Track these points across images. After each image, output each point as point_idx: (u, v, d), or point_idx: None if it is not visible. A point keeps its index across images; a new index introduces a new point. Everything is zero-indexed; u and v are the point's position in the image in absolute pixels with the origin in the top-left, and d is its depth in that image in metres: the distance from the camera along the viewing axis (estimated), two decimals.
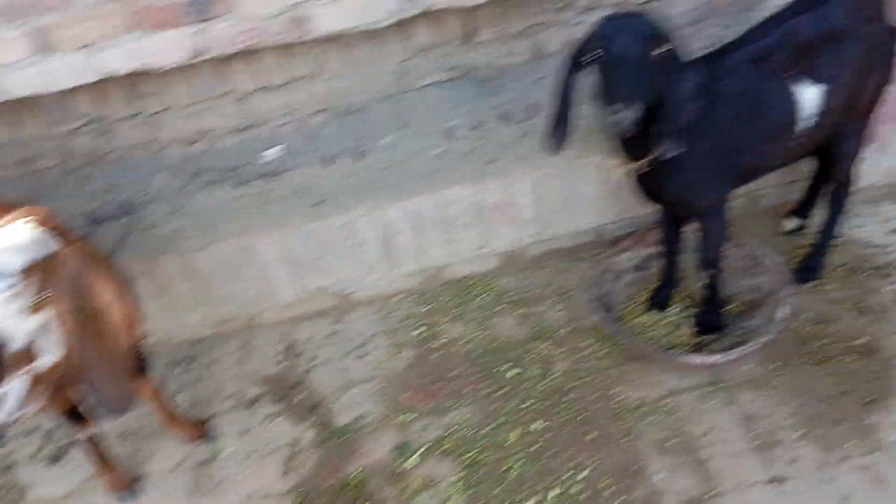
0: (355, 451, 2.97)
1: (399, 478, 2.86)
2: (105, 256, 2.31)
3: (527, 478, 2.75)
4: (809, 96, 2.52)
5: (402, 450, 2.94)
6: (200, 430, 3.10)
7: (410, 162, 3.28)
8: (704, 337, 3.06)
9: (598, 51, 2.16)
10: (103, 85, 3.08)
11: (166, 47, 2.92)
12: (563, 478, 2.72)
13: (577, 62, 2.28)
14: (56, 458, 3.07)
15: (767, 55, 2.49)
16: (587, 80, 2.29)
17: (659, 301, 3.17)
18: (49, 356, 1.88)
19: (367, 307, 3.46)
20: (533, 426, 2.92)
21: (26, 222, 1.91)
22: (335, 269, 3.29)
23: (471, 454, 2.87)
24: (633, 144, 2.42)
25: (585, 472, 2.73)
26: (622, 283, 3.28)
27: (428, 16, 3.12)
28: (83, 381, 2.25)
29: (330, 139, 3.43)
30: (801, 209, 3.31)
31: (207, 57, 2.99)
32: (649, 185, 2.62)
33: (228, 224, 3.16)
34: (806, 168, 3.23)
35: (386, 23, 3.02)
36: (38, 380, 1.88)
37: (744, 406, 2.84)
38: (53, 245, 1.90)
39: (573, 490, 2.68)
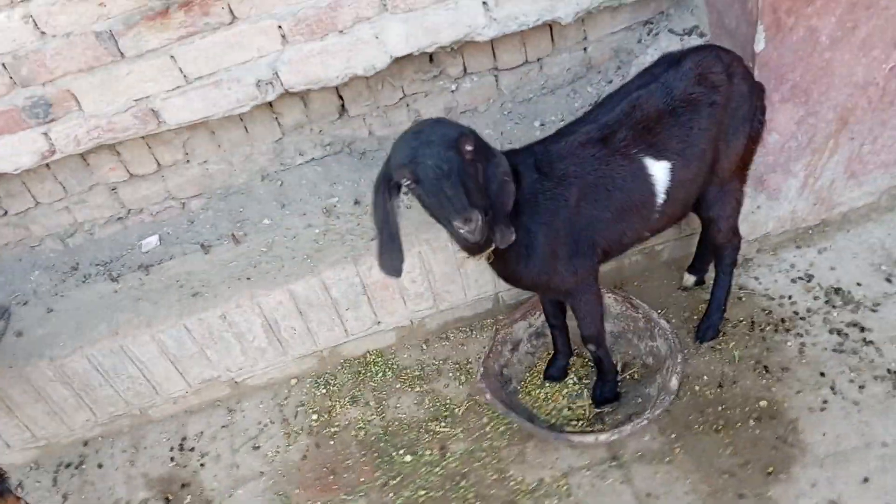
0: None
1: None
2: None
3: None
4: (657, 172, 2.42)
5: None
6: None
7: (291, 243, 3.16)
8: (603, 407, 2.94)
9: (410, 178, 2.03)
10: None
11: (16, 151, 2.80)
12: None
13: (391, 187, 2.13)
14: None
15: (610, 132, 2.39)
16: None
17: (554, 372, 3.07)
18: None
19: (263, 392, 3.33)
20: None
21: None
22: (222, 359, 3.17)
23: None
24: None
25: None
26: (521, 353, 3.17)
27: (292, 95, 3.00)
28: None
29: (209, 223, 3.31)
30: (697, 265, 3.21)
31: (61, 156, 2.86)
32: (504, 271, 2.51)
33: (102, 324, 3.03)
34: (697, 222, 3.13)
35: (242, 109, 2.91)
36: None
37: (642, 483, 2.72)
38: None
39: None
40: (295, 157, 3.32)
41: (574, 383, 3.07)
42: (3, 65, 2.61)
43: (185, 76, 2.77)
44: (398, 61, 2.98)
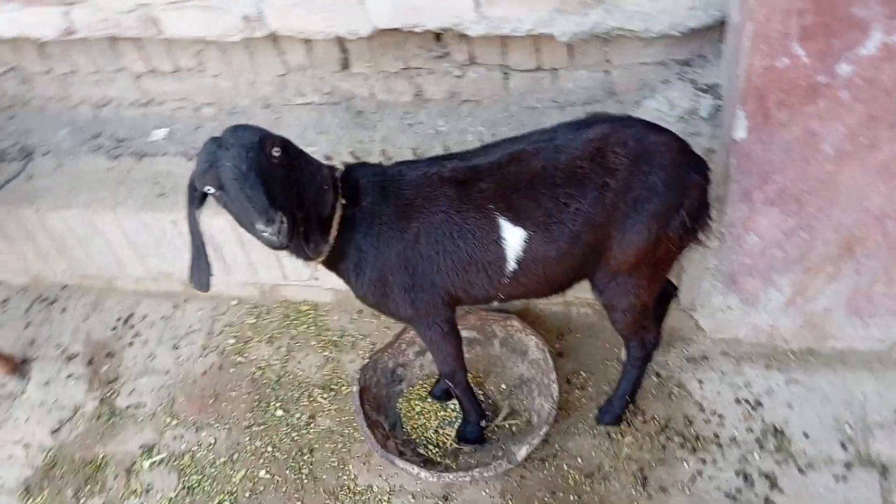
0: (114, 436, 3.14)
1: (129, 474, 3.00)
2: None
3: None
4: (510, 237, 2.15)
5: (148, 451, 3.07)
6: (14, 366, 3.41)
7: None
8: (463, 446, 2.81)
9: (212, 184, 1.95)
10: (17, 41, 3.34)
11: (39, 21, 3.10)
12: None
13: (196, 195, 2.05)
14: None
15: (474, 178, 2.15)
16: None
17: (438, 392, 2.96)
18: None
19: (206, 302, 3.54)
20: (260, 473, 2.91)
21: None
22: (174, 260, 3.39)
23: (195, 478, 2.94)
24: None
25: None
26: (427, 359, 3.07)
27: (295, 39, 3.02)
28: None
29: (212, 132, 3.47)
30: None
31: (79, 36, 3.12)
32: (344, 282, 2.42)
33: (83, 194, 3.35)
34: None
35: (233, 38, 2.97)
36: None
37: None
38: None
39: None
40: (295, 96, 3.36)
41: (453, 410, 2.94)
42: None
43: None
44: (396, 33, 2.87)
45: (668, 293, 2.74)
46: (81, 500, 2.95)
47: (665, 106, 2.79)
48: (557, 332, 3.11)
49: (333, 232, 2.19)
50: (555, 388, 2.75)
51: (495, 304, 2.49)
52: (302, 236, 2.12)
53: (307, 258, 2.25)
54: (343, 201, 2.18)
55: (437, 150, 3.09)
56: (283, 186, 1.98)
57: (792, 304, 2.71)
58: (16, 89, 3.74)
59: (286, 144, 2.03)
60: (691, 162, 2.19)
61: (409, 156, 3.11)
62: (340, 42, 3.10)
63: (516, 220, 2.14)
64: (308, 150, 3.20)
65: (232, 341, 3.39)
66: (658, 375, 2.91)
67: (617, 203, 2.12)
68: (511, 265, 2.20)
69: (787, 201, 2.42)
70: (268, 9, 2.85)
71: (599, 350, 3.04)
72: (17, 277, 3.79)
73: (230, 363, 3.31)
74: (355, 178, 2.22)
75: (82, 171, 3.49)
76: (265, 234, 1.93)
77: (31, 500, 2.99)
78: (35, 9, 3.07)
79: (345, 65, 3.21)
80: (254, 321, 3.45)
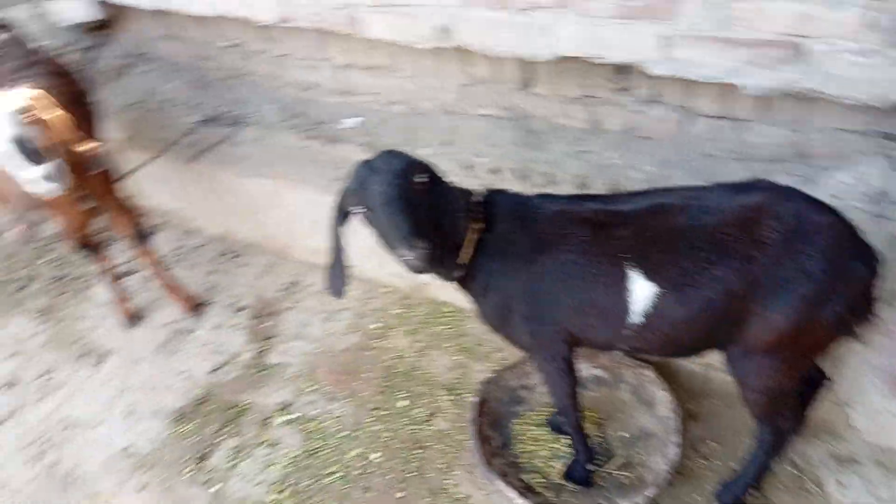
0: (259, 387, 3.45)
1: (264, 425, 3.29)
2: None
3: (333, 491, 2.97)
4: (638, 290, 2.08)
5: (284, 408, 3.34)
6: (194, 305, 3.85)
7: None
8: (568, 483, 2.80)
9: (359, 205, 2.07)
10: (243, 20, 3.73)
11: (263, 7, 3.44)
12: None
13: (343, 213, 2.18)
14: None
15: (611, 223, 2.10)
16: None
17: (555, 424, 2.94)
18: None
19: (361, 284, 3.76)
20: (373, 455, 3.08)
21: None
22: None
23: (317, 444, 3.17)
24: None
25: None
26: None
27: (480, 55, 3.11)
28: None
29: (389, 129, 3.69)
30: None
31: (293, 25, 3.43)
32: (472, 302, 2.46)
33: (275, 167, 3.69)
34: None
35: (423, 45, 3.11)
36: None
37: None
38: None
39: None
40: (475, 106, 3.46)
41: (566, 444, 2.92)
42: None
43: None
44: (580, 61, 2.87)
45: (815, 380, 2.52)
46: (219, 439, 3.28)
47: (855, 180, 2.55)
48: (694, 393, 2.98)
49: (466, 255, 2.25)
50: (675, 450, 2.65)
51: (617, 353, 2.43)
52: (437, 259, 2.20)
53: (443, 278, 2.34)
54: (478, 226, 2.24)
55: (602, 182, 3.06)
56: (425, 214, 2.06)
57: None
58: (237, 63, 4.18)
59: (429, 172, 2.11)
60: (857, 250, 2.01)
61: (571, 182, 3.10)
62: (524, 61, 3.14)
63: (648, 275, 2.08)
64: (476, 160, 3.35)
65: (375, 326, 3.59)
66: (795, 465, 2.71)
67: (762, 278, 2.00)
68: (635, 318, 2.15)
69: None
70: (461, 23, 2.95)
71: (736, 422, 2.87)
72: (214, 228, 4.25)
73: (370, 346, 3.51)
74: (494, 204, 2.27)
75: (278, 145, 3.84)
76: (406, 258, 2.01)
77: (179, 427, 3.37)
78: None
79: (526, 83, 3.26)
80: (399, 311, 3.62)
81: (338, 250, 2.28)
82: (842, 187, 2.56)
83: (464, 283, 2.38)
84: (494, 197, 2.30)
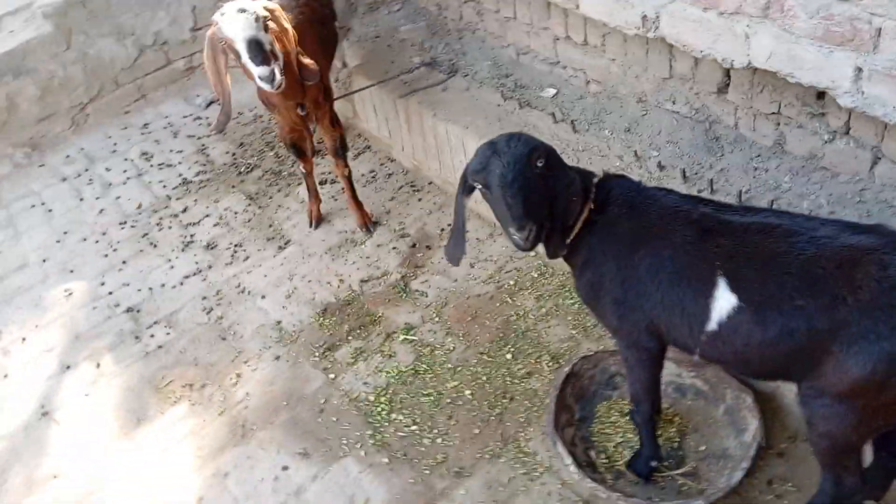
0: (396, 306, 3.82)
1: (388, 337, 3.65)
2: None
3: (423, 409, 3.28)
4: (722, 299, 2.05)
5: (409, 329, 3.67)
6: (368, 222, 4.29)
7: (598, 160, 3.50)
8: (628, 473, 2.85)
9: (481, 183, 2.21)
10: None
11: None
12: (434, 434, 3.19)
13: (467, 185, 2.31)
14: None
15: (717, 230, 2.09)
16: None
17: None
18: (279, 56, 3.27)
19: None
20: (466, 392, 3.32)
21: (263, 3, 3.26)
22: None
23: (424, 366, 3.48)
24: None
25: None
26: None
27: (682, 52, 3.14)
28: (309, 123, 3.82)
29: (580, 107, 3.82)
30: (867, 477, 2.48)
31: None
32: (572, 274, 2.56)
33: (468, 117, 3.98)
34: None
35: (629, 31, 3.19)
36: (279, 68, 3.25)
37: None
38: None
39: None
40: (667, 101, 3.48)
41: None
42: None
43: None
44: (775, 76, 2.82)
45: None
46: (349, 337, 3.69)
47: None
48: (790, 432, 2.86)
49: (574, 233, 2.37)
50: (739, 475, 2.61)
51: (696, 358, 2.42)
52: (544, 237, 2.33)
53: (549, 255, 2.49)
54: (591, 206, 2.35)
55: (765, 202, 2.98)
56: (539, 197, 2.21)
57: None
58: (470, 17, 4.50)
59: (549, 156, 2.24)
60: None
61: (733, 195, 3.06)
62: (723, 66, 3.12)
63: (734, 287, 2.08)
64: (650, 153, 3.40)
65: (511, 283, 3.78)
66: None
67: (849, 321, 1.93)
68: (712, 326, 2.16)
69: None
70: (665, 15, 3.01)
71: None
72: (406, 161, 4.66)
73: (499, 299, 3.72)
74: (609, 188, 2.37)
75: (481, 99, 4.12)
76: (515, 237, 2.20)
77: (322, 319, 3.82)
78: None
79: (722, 89, 3.23)
80: (536, 276, 3.78)
81: (460, 219, 2.46)
82: None
83: (568, 256, 2.51)
84: (613, 182, 2.39)
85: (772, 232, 2.08)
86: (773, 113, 3.07)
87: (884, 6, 2.31)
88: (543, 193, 2.23)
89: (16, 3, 5.59)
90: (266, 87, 3.25)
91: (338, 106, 4.18)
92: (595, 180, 2.40)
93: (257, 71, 3.19)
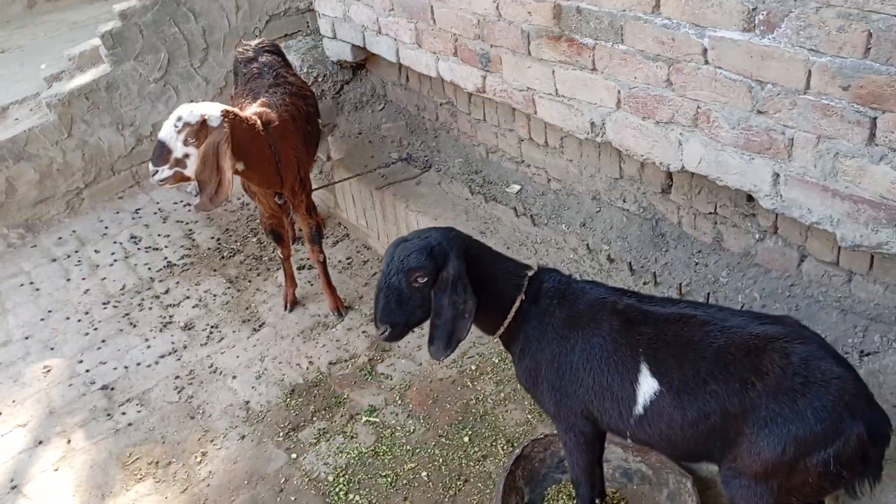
0: (360, 388, 3.95)
1: (351, 419, 3.78)
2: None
3: (380, 490, 3.39)
4: (645, 385, 2.22)
5: (372, 411, 3.80)
6: (341, 307, 4.47)
7: (555, 254, 3.72)
8: None
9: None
10: (453, 84, 4.37)
11: (466, 76, 4.03)
12: None
13: None
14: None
15: (638, 321, 2.28)
16: None
17: None
18: (187, 169, 3.49)
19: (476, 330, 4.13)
20: (423, 473, 3.42)
21: (220, 110, 3.48)
22: None
23: (384, 448, 3.58)
24: None
25: None
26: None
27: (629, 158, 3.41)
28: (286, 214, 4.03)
29: (544, 204, 4.07)
30: None
31: (487, 96, 3.97)
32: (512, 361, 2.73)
33: (437, 209, 4.23)
34: None
35: (580, 136, 3.47)
36: (177, 175, 3.50)
37: None
38: (220, 125, 3.44)
39: None
40: (618, 199, 3.73)
41: None
42: (478, 21, 3.77)
43: (556, 89, 3.49)
44: (709, 181, 3.07)
45: None
46: (314, 418, 3.81)
47: None
48: None
49: (508, 319, 2.57)
50: None
51: (630, 442, 2.56)
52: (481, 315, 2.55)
53: (484, 331, 2.68)
54: (523, 297, 2.55)
55: (701, 295, 3.18)
56: (404, 306, 2.48)
57: None
58: (446, 118, 4.83)
59: (440, 270, 2.45)
60: (861, 409, 2.03)
61: (674, 287, 3.26)
62: (664, 170, 3.39)
63: (654, 373, 2.25)
64: (602, 247, 3.62)
65: (473, 367, 3.93)
66: None
67: (758, 405, 2.09)
68: (639, 409, 2.31)
69: None
70: (609, 122, 3.29)
71: None
72: (381, 249, 4.88)
73: (461, 383, 3.86)
74: (542, 280, 2.57)
75: (450, 193, 4.39)
76: (377, 332, 2.55)
77: (289, 400, 3.95)
78: (465, 66, 4.00)
79: (666, 189, 3.49)
80: (497, 361, 3.93)
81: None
82: None
83: (506, 343, 2.69)
84: (545, 275, 2.60)
85: (688, 321, 2.27)
86: (711, 213, 3.31)
87: (794, 119, 2.57)
88: (413, 303, 2.48)
89: (24, 93, 5.96)
90: (151, 179, 3.51)
91: (320, 196, 4.45)
92: (530, 273, 2.61)
93: (150, 166, 3.48)
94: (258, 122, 3.74)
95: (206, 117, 3.42)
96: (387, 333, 2.52)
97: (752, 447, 2.14)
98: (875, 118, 2.34)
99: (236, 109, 3.69)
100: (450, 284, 2.46)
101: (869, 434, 2.04)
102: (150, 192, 6.09)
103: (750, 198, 3.11)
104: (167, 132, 3.43)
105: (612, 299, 2.45)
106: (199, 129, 3.40)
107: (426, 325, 2.58)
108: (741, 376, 2.11)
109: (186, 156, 3.44)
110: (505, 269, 2.58)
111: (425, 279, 2.46)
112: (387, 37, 4.59)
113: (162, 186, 3.57)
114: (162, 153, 3.43)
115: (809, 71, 2.43)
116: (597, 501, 2.83)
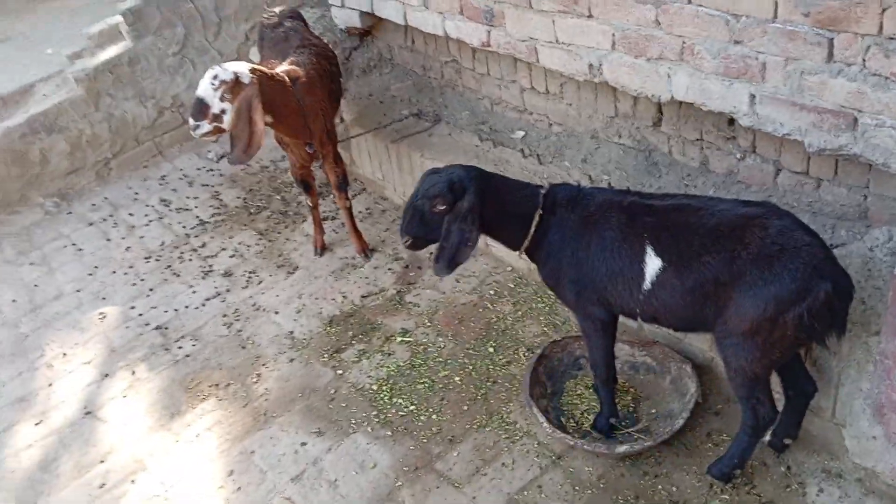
0: (392, 315, 4.43)
1: (387, 340, 4.25)
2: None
3: (419, 394, 3.87)
4: (650, 263, 2.71)
5: (404, 332, 4.28)
6: (366, 249, 4.94)
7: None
8: (593, 430, 3.43)
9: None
10: (458, 41, 4.80)
11: (471, 32, 4.47)
12: (429, 412, 3.78)
13: None
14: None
15: (641, 213, 2.76)
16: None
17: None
18: (224, 123, 3.91)
19: (491, 260, 4.64)
20: (456, 378, 3.91)
21: (249, 68, 3.91)
22: None
23: (419, 361, 4.06)
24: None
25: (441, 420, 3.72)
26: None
27: (627, 92, 3.88)
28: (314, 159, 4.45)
29: (548, 145, 4.54)
30: (776, 428, 3.09)
31: (492, 49, 4.42)
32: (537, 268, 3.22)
33: (450, 156, 4.69)
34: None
35: (579, 78, 3.94)
36: (216, 129, 3.91)
37: (528, 473, 3.29)
38: (250, 81, 3.87)
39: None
40: (615, 135, 4.21)
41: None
42: None
43: (556, 37, 3.95)
44: (696, 109, 3.54)
45: (805, 390, 2.96)
46: (353, 341, 4.28)
47: (886, 239, 2.99)
48: (724, 396, 3.47)
49: (531, 232, 3.04)
50: (679, 423, 3.21)
51: (640, 322, 3.06)
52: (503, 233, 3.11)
53: (512, 248, 3.16)
54: (541, 211, 3.02)
55: None
56: (425, 223, 3.02)
57: None
58: (451, 75, 5.28)
59: (456, 200, 2.95)
60: (828, 270, 2.53)
61: None
62: (658, 103, 3.86)
63: (658, 252, 2.75)
64: (603, 178, 4.10)
65: (492, 292, 4.42)
66: (788, 468, 3.13)
67: (744, 271, 2.59)
68: (647, 285, 2.81)
69: None
70: (606, 63, 3.75)
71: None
72: (398, 198, 5.35)
73: (482, 306, 4.35)
74: (555, 194, 3.04)
75: (461, 142, 4.85)
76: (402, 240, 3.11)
77: (329, 328, 4.42)
78: (470, 23, 4.45)
79: (657, 123, 3.97)
80: (513, 286, 4.43)
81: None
82: (873, 241, 3.00)
83: (530, 253, 3.17)
84: (557, 189, 3.07)
85: (684, 209, 2.76)
86: (697, 139, 3.80)
87: (765, 45, 3.05)
88: (431, 224, 3.01)
89: (48, 70, 6.33)
90: (192, 133, 3.90)
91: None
92: (543, 191, 3.08)
93: (190, 121, 3.86)
94: (286, 78, 4.16)
95: (238, 74, 3.83)
96: (409, 242, 3.08)
97: (740, 307, 2.64)
98: (832, 39, 2.82)
99: (263, 67, 4.11)
100: (461, 214, 2.95)
101: (834, 290, 2.54)
102: (174, 160, 6.50)
103: (731, 122, 3.60)
104: (205, 89, 3.79)
105: (618, 199, 2.94)
106: (234, 86, 3.81)
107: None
108: (729, 248, 2.61)
109: (223, 111, 3.83)
110: (522, 192, 3.07)
111: (444, 207, 2.96)
112: (394, 1, 5.01)
113: (203, 139, 3.96)
114: (201, 109, 3.81)
115: (776, 2, 2.91)
116: (611, 382, 3.33)
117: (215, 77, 3.81)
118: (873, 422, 2.87)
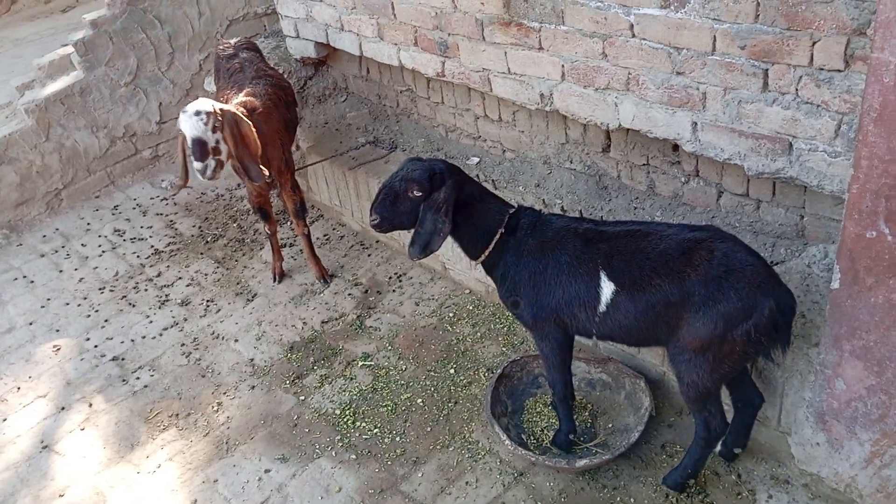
0: (353, 340, 4.48)
1: (348, 365, 4.30)
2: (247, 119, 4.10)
3: (382, 417, 3.92)
4: (605, 287, 2.86)
5: (365, 357, 4.33)
6: (325, 275, 4.99)
7: None
8: (553, 447, 3.53)
9: None
10: (413, 71, 4.93)
11: (426, 62, 4.60)
12: (392, 434, 3.82)
13: None
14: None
15: (596, 239, 2.92)
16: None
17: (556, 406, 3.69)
18: (223, 154, 3.95)
19: (451, 283, 4.74)
20: (418, 400, 3.97)
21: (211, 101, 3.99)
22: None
23: (381, 384, 4.12)
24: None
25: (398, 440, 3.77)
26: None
27: (577, 119, 4.04)
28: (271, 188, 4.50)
29: (493, 171, 4.69)
30: (727, 438, 3.25)
31: (446, 79, 4.56)
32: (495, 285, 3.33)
33: None
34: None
35: (531, 107, 4.10)
36: (219, 163, 3.94)
37: (492, 490, 3.37)
38: (224, 110, 3.95)
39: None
40: (566, 161, 4.38)
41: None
42: (436, 14, 4.35)
43: (508, 68, 4.11)
44: (643, 135, 3.72)
45: (752, 401, 3.12)
46: (315, 367, 4.32)
47: (822, 256, 3.19)
48: (677, 409, 3.61)
49: (490, 248, 3.16)
50: (635, 436, 3.34)
51: (595, 340, 3.19)
52: (465, 239, 3.20)
53: (470, 257, 3.27)
54: (502, 230, 3.14)
55: None
56: (394, 207, 3.10)
57: (869, 464, 2.89)
58: (406, 104, 5.40)
59: (432, 187, 3.05)
60: (771, 288, 2.70)
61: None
62: (606, 130, 4.04)
63: (611, 277, 2.89)
64: (555, 201, 4.24)
65: (451, 314, 4.51)
66: (738, 476, 3.28)
67: (693, 292, 2.74)
68: (602, 308, 2.94)
69: (870, 360, 2.71)
70: (556, 93, 3.92)
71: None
72: (355, 224, 5.43)
73: (441, 328, 4.43)
74: (518, 217, 3.17)
75: None
76: (370, 218, 3.17)
77: (290, 355, 4.44)
78: (425, 54, 4.58)
79: (605, 149, 4.14)
80: (471, 308, 4.53)
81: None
82: (811, 258, 3.20)
83: (488, 269, 3.27)
84: (522, 212, 3.20)
85: (635, 234, 2.91)
86: (644, 164, 3.99)
87: (705, 76, 3.24)
88: (402, 208, 3.09)
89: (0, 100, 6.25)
90: (199, 177, 3.90)
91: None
92: (511, 211, 3.20)
93: (195, 164, 3.86)
94: (243, 110, 4.22)
95: (212, 104, 3.89)
96: (376, 221, 3.13)
97: (691, 327, 2.78)
98: (767, 70, 3.02)
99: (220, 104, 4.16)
100: (437, 204, 3.04)
101: (778, 307, 2.71)
102: (126, 189, 6.46)
103: (675, 148, 3.79)
104: (196, 127, 3.79)
105: (574, 225, 3.07)
106: (217, 117, 3.87)
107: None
108: (678, 270, 2.76)
109: (217, 142, 3.88)
110: (492, 206, 3.18)
111: (419, 194, 3.05)
112: (350, 33, 5.12)
113: (211, 180, 3.93)
114: (202, 148, 3.82)
115: (714, 36, 3.10)
116: (569, 400, 3.45)
117: (198, 113, 3.83)
118: (816, 429, 3.04)
